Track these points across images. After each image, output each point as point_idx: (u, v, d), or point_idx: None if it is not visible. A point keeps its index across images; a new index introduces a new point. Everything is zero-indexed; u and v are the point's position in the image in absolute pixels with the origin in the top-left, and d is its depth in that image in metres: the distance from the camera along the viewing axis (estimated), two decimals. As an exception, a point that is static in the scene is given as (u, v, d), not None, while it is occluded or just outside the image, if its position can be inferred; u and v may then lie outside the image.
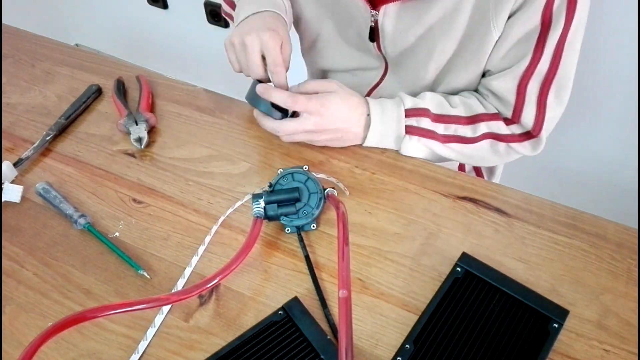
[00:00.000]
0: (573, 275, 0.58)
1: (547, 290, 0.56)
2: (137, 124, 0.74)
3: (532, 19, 0.64)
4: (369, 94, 0.85)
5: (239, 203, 0.66)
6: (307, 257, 0.60)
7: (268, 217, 0.62)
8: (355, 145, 0.72)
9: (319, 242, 0.62)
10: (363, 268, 0.59)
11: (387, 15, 0.70)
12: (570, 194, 0.99)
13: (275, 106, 0.67)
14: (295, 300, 0.56)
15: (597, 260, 0.59)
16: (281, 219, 0.62)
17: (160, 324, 0.55)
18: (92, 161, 0.73)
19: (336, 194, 0.64)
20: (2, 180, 0.67)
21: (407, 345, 0.51)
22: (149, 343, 0.54)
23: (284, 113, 0.68)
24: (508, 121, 0.72)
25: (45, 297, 0.58)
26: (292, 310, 0.54)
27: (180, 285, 0.58)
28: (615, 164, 1.25)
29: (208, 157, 0.72)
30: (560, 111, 0.71)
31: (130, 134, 0.73)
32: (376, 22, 0.71)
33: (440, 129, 0.70)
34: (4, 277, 0.60)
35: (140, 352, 0.53)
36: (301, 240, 0.61)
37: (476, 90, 0.76)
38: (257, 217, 0.61)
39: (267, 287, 0.58)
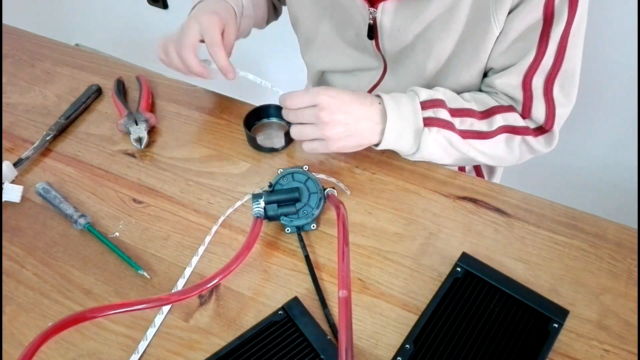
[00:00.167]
0: (573, 275, 0.58)
1: (547, 290, 0.56)
2: (137, 124, 0.74)
3: (533, 13, 0.63)
4: (368, 94, 0.85)
5: (239, 203, 0.66)
6: (307, 257, 0.60)
7: (268, 217, 0.62)
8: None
9: (319, 242, 0.62)
10: (363, 268, 0.59)
11: (385, 13, 0.70)
12: (570, 194, 0.99)
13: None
14: (295, 300, 0.56)
15: (597, 260, 0.59)
16: (281, 219, 0.62)
17: (160, 324, 0.55)
18: (92, 161, 0.73)
19: (336, 194, 0.64)
20: (2, 180, 0.67)
21: (407, 345, 0.51)
22: (149, 343, 0.54)
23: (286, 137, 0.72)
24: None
25: (45, 297, 0.58)
26: (292, 310, 0.54)
27: (180, 285, 0.58)
28: (615, 164, 1.25)
29: (208, 157, 0.72)
30: (569, 107, 0.70)
31: (130, 134, 0.73)
32: (374, 19, 0.71)
33: (457, 122, 0.67)
34: (4, 277, 0.60)
35: (140, 352, 0.53)
36: (301, 240, 0.61)
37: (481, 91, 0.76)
38: (257, 217, 0.61)
39: (267, 287, 0.58)
